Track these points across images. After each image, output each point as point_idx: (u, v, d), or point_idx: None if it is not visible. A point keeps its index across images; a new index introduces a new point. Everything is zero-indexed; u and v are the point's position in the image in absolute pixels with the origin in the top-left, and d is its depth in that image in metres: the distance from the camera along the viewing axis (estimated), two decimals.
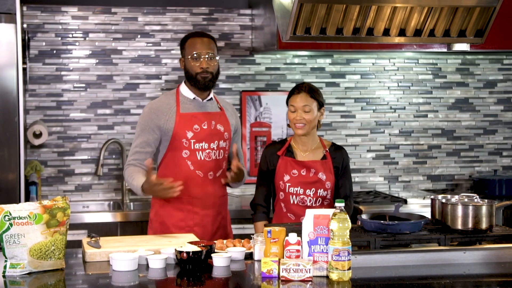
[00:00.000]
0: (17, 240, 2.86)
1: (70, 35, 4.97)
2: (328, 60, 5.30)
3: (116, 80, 5.03)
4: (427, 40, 3.85)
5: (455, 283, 2.83)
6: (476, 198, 3.34)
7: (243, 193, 5.14)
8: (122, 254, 2.95)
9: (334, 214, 2.75)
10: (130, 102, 5.05)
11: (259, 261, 2.99)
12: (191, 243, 3.07)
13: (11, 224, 2.85)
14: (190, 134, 3.65)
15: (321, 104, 3.71)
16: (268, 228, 2.94)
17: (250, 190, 5.19)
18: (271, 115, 5.23)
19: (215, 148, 3.70)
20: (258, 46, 5.06)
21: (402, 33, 3.79)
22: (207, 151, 3.67)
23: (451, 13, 3.75)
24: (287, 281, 2.74)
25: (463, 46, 4.58)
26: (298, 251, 2.84)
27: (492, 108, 5.55)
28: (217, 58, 3.71)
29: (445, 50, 4.87)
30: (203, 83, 3.67)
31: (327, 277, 2.79)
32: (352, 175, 4.12)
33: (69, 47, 4.96)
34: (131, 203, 4.95)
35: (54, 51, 4.95)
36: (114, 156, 5.03)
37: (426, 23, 3.77)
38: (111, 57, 5.02)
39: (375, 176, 5.36)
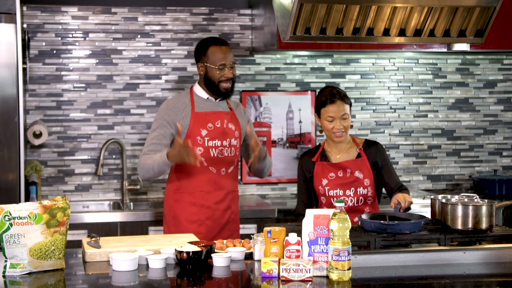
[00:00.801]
0: (17, 240, 2.86)
1: (70, 35, 4.97)
2: (328, 60, 5.30)
3: (116, 80, 5.03)
4: (427, 40, 3.85)
5: (455, 283, 2.83)
6: (476, 198, 3.34)
7: (243, 193, 5.14)
8: (122, 254, 2.95)
9: (334, 214, 2.75)
10: (130, 102, 5.05)
11: (259, 261, 2.99)
12: (191, 243, 3.07)
13: (11, 224, 2.85)
14: (204, 132, 3.79)
15: (351, 104, 3.75)
16: (268, 228, 2.94)
17: (251, 190, 5.20)
18: (271, 115, 5.23)
19: (227, 146, 3.84)
20: (258, 46, 5.06)
21: (402, 33, 3.79)
22: (220, 148, 3.81)
23: (451, 13, 3.75)
24: (287, 281, 2.74)
25: (463, 46, 4.58)
26: (298, 251, 2.84)
27: (492, 108, 5.55)
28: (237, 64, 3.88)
29: (445, 50, 4.87)
30: (224, 92, 3.83)
31: (327, 277, 2.79)
32: None
33: (69, 47, 4.96)
34: (131, 203, 4.95)
35: (54, 51, 4.95)
36: (114, 156, 5.03)
37: (426, 23, 3.77)
38: (111, 57, 5.02)
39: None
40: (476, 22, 3.80)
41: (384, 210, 4.57)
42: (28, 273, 2.88)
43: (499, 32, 4.80)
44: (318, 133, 4.89)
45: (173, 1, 5.13)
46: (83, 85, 4.99)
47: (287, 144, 5.24)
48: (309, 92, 5.26)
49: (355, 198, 3.70)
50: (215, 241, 3.19)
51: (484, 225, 3.20)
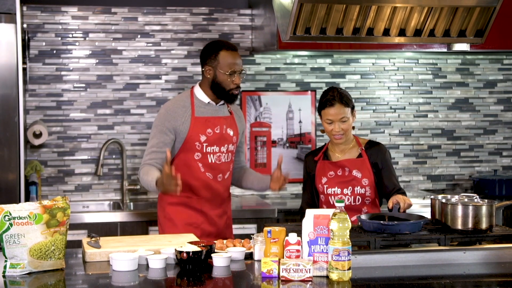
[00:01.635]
0: (17, 240, 2.86)
1: (70, 35, 4.97)
2: (328, 60, 5.30)
3: (116, 80, 5.03)
4: (427, 40, 3.85)
5: (455, 283, 2.83)
6: (476, 198, 3.34)
7: (243, 193, 5.14)
8: (122, 254, 2.95)
9: (334, 214, 2.75)
10: (130, 102, 5.05)
11: (259, 261, 2.99)
12: (191, 243, 3.07)
13: (11, 224, 2.85)
14: (203, 138, 3.73)
15: (353, 107, 3.74)
16: (268, 228, 2.95)
17: (251, 190, 5.19)
18: (271, 115, 5.23)
19: (225, 152, 3.78)
20: (258, 46, 5.06)
21: (402, 33, 3.79)
22: (218, 154, 3.76)
23: (451, 13, 3.75)
24: (287, 281, 2.74)
25: (463, 46, 4.58)
26: (298, 251, 2.84)
27: (492, 108, 5.55)
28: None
29: (445, 50, 4.87)
30: (233, 98, 3.78)
31: (327, 277, 2.79)
32: None
33: (69, 47, 4.96)
34: (131, 203, 4.95)
35: (54, 51, 4.95)
36: (114, 156, 5.03)
37: (426, 23, 3.77)
38: (111, 57, 5.02)
39: None
40: (476, 22, 3.80)
41: (384, 210, 4.58)
42: (28, 273, 2.88)
43: (499, 32, 4.80)
44: (319, 132, 4.89)
45: (173, 1, 5.13)
46: (83, 85, 4.99)
47: (287, 144, 5.24)
48: (309, 92, 5.26)
49: (352, 197, 3.70)
50: (215, 241, 3.19)
51: (484, 225, 3.20)
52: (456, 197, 3.39)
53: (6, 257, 2.88)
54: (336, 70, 5.32)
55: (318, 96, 5.26)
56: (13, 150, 4.19)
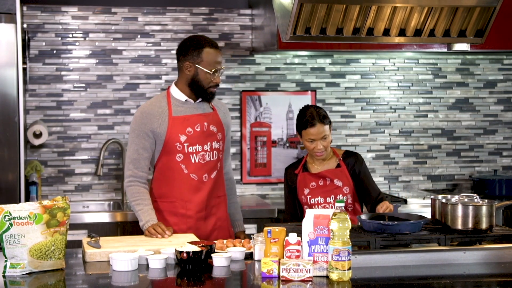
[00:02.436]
0: (17, 240, 2.86)
1: (70, 35, 4.97)
2: (328, 60, 5.30)
3: (116, 80, 5.03)
4: (427, 40, 3.85)
5: (455, 283, 2.83)
6: (476, 198, 3.34)
7: (242, 193, 5.14)
8: (122, 254, 2.95)
9: (334, 214, 2.75)
10: (130, 102, 5.05)
11: (259, 261, 2.99)
12: (191, 243, 3.07)
13: (11, 224, 2.85)
14: (183, 138, 3.59)
15: (330, 122, 3.80)
16: (268, 228, 2.95)
17: (251, 190, 5.19)
18: (271, 115, 5.23)
19: (209, 150, 3.65)
20: (258, 46, 5.06)
21: (402, 33, 3.79)
22: (201, 153, 3.62)
23: (451, 13, 3.75)
24: (287, 281, 2.74)
25: (463, 46, 4.58)
26: (298, 251, 2.84)
27: (492, 108, 5.55)
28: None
29: (445, 50, 4.87)
30: (211, 97, 3.66)
31: (327, 277, 2.79)
32: None
33: (69, 47, 4.97)
34: None
35: (54, 51, 4.95)
36: (114, 156, 5.03)
37: (426, 23, 3.77)
38: (111, 57, 5.02)
39: (375, 176, 5.35)
40: (476, 22, 3.80)
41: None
42: (28, 273, 2.88)
43: (499, 32, 4.79)
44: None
45: (173, 1, 5.13)
46: (83, 85, 4.99)
47: (287, 144, 5.24)
48: (309, 92, 5.26)
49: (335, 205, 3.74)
50: (215, 241, 3.19)
51: (484, 225, 3.20)
52: (456, 197, 3.39)
53: (6, 257, 2.88)
54: (336, 70, 5.31)
55: (319, 96, 5.27)
56: (13, 150, 4.19)
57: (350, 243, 2.75)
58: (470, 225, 3.19)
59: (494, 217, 3.23)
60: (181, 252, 2.92)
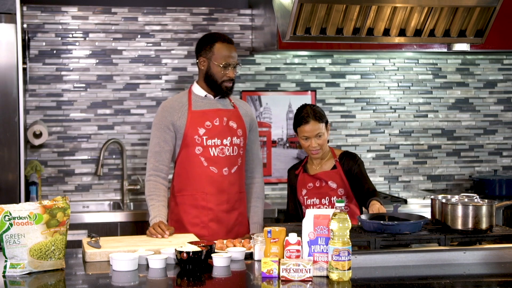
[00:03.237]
0: (17, 240, 2.86)
1: (70, 35, 4.97)
2: (328, 60, 5.30)
3: (116, 80, 5.03)
4: (427, 40, 3.85)
5: (455, 283, 2.83)
6: (476, 198, 3.34)
7: None
8: (122, 254, 2.95)
9: (334, 214, 2.75)
10: (130, 102, 5.05)
11: (259, 261, 2.99)
12: (191, 243, 3.07)
13: (11, 224, 2.85)
14: (202, 131, 3.70)
15: (327, 122, 3.80)
16: (268, 228, 2.95)
17: None
18: (271, 115, 5.23)
19: (228, 144, 3.74)
20: (258, 46, 5.06)
21: (402, 33, 3.79)
22: (220, 147, 3.72)
23: (451, 13, 3.75)
24: (287, 281, 2.74)
25: (463, 46, 4.57)
26: (298, 251, 2.84)
27: (492, 108, 5.55)
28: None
29: (445, 50, 4.87)
30: (225, 91, 3.75)
31: (327, 277, 2.79)
32: None
33: (69, 47, 4.96)
34: (131, 203, 4.95)
35: (54, 51, 4.95)
36: (114, 156, 5.03)
37: (426, 23, 3.77)
38: (111, 57, 5.02)
39: (375, 176, 5.36)
40: (476, 22, 3.80)
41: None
42: (28, 273, 2.88)
43: (499, 32, 4.79)
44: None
45: (173, 1, 5.13)
46: (83, 85, 4.99)
47: (287, 144, 5.24)
48: (309, 92, 5.26)
49: (330, 206, 3.79)
50: (215, 241, 3.19)
51: (484, 225, 3.20)
52: (456, 197, 3.39)
53: (6, 257, 2.89)
54: (336, 70, 5.31)
55: (319, 96, 5.27)
56: (13, 150, 4.19)
57: (350, 243, 2.75)
58: (470, 225, 3.19)
59: (494, 217, 3.23)
60: (181, 252, 2.92)
